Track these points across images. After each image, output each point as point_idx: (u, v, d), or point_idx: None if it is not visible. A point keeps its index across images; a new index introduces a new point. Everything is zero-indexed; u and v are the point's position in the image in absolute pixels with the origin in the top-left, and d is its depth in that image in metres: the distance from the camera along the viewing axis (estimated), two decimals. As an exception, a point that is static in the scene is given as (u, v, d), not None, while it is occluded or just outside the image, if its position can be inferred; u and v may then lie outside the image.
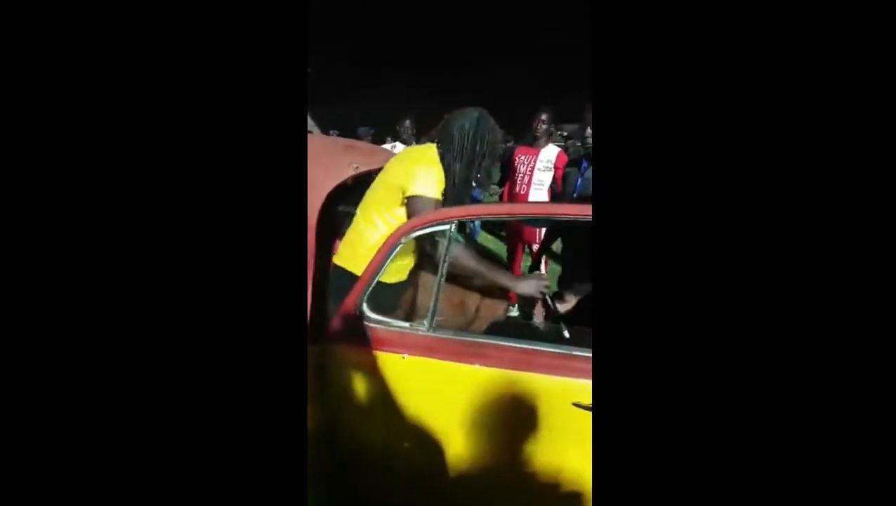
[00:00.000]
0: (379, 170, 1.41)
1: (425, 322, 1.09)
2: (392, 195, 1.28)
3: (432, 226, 1.09)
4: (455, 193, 1.31)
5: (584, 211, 1.03)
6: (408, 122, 3.64)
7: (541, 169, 2.72)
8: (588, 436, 0.97)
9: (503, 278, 1.27)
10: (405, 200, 1.25)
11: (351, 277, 1.25)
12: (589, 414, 0.97)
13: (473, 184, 1.39)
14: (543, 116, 2.73)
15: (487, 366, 1.02)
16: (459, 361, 1.04)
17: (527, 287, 1.21)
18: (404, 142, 3.58)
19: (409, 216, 1.22)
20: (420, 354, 1.06)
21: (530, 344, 1.03)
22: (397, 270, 1.32)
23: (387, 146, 3.70)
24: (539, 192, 2.68)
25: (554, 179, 2.74)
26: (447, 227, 1.08)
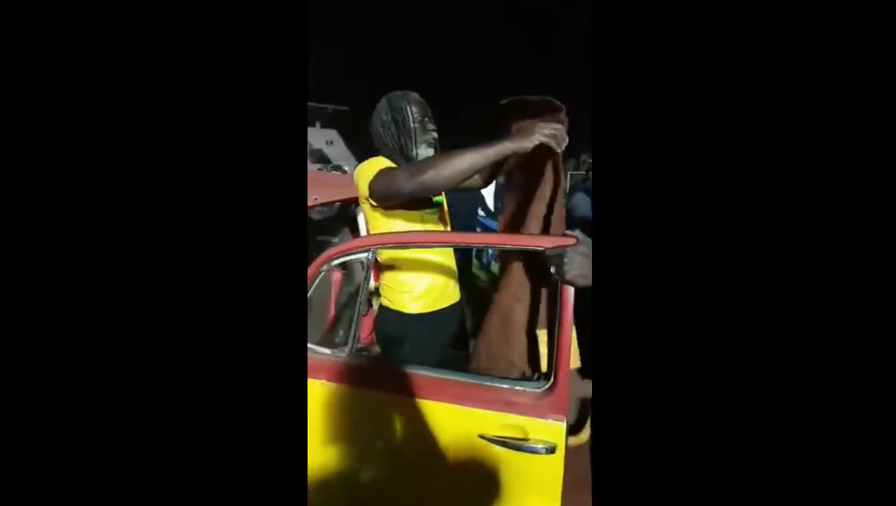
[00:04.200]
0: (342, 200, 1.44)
1: (346, 348, 1.10)
2: (367, 209, 1.24)
3: (350, 254, 1.10)
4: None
5: (524, 242, 1.00)
6: None
7: None
8: (494, 469, 0.96)
9: (500, 147, 0.98)
10: (370, 204, 1.20)
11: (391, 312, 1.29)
12: (493, 447, 0.95)
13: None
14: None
15: (399, 394, 1.02)
16: (374, 388, 1.05)
17: (532, 139, 0.96)
18: None
19: (376, 204, 1.17)
20: (338, 381, 1.07)
21: (441, 373, 1.03)
22: (421, 295, 1.28)
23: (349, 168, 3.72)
24: None
25: None
26: (365, 255, 1.09)
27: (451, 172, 1.00)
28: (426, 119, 1.28)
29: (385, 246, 1.06)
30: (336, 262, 1.12)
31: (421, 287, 1.27)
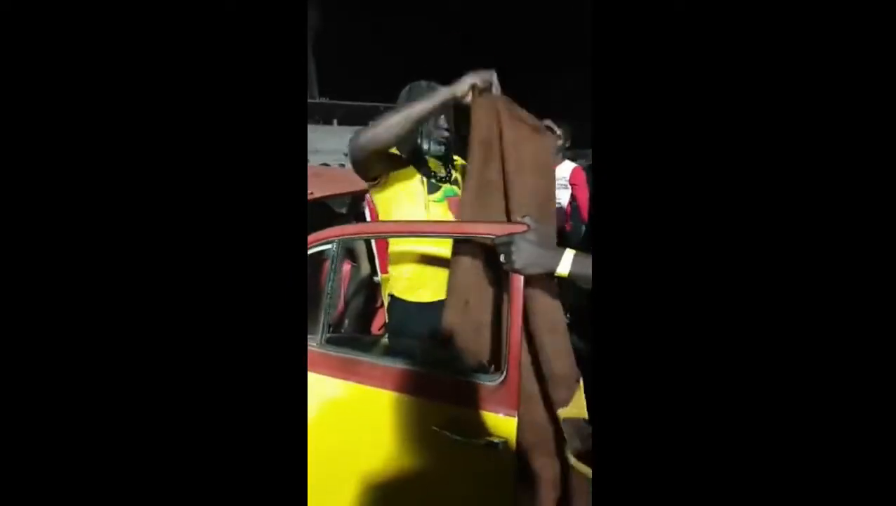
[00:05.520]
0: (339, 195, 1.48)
1: (317, 337, 1.14)
2: (372, 196, 1.29)
3: (314, 246, 1.13)
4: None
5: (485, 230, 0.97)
6: None
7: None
8: (445, 460, 0.93)
9: (438, 95, 1.05)
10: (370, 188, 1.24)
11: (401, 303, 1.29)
12: (444, 438, 0.94)
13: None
14: (558, 132, 2.59)
15: (359, 383, 1.04)
16: (337, 376, 1.07)
17: (468, 79, 1.03)
18: None
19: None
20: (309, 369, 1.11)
21: (400, 364, 1.03)
22: (415, 285, 1.27)
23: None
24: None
25: (573, 196, 2.62)
26: (330, 246, 1.11)
27: (394, 120, 1.06)
28: (442, 116, 1.25)
29: (346, 236, 1.08)
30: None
31: (423, 276, 1.26)
